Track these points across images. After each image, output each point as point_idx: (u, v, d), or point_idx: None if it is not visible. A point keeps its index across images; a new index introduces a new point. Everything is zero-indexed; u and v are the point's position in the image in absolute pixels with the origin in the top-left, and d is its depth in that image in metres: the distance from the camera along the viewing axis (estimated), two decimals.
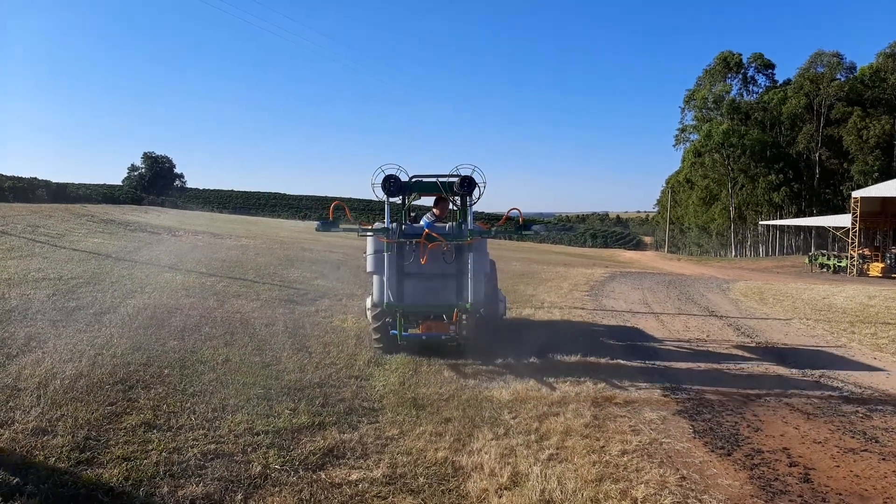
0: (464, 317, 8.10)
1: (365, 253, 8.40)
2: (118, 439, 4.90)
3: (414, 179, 8.54)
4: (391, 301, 8.00)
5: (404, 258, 8.02)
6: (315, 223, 8.38)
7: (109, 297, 9.73)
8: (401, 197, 8.54)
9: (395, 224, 8.25)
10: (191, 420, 5.41)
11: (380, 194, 8.10)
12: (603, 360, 8.59)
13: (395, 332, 8.12)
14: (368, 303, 8.61)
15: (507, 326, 10.47)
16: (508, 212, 8.53)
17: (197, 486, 4.29)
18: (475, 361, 8.22)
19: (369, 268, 8.26)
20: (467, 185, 8.07)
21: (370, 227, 8.17)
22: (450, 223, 8.60)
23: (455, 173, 8.29)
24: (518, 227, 8.50)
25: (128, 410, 5.50)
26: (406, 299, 8.08)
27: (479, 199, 8.33)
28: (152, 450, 4.76)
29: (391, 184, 7.90)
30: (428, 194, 8.97)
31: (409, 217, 9.32)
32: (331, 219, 8.22)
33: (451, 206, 9.13)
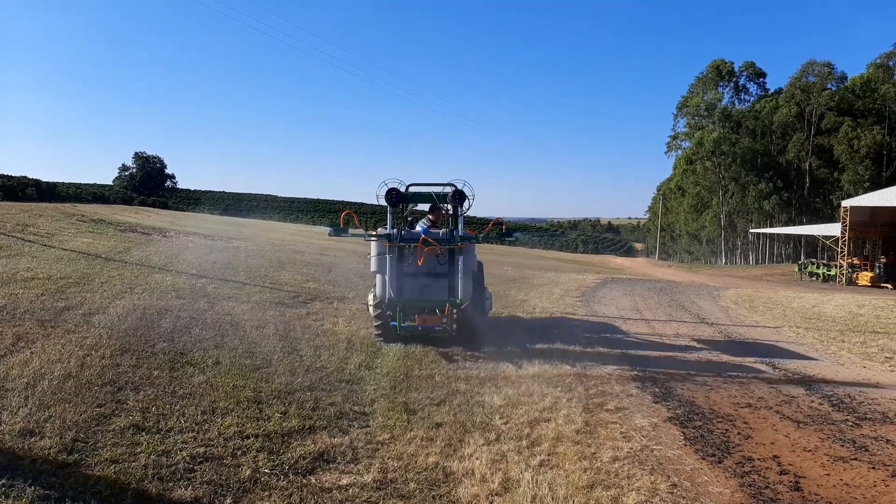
0: (454, 311, 9.12)
1: (369, 254, 9.47)
2: (107, 441, 4.86)
3: (412, 190, 9.55)
4: (391, 296, 9.01)
5: (404, 260, 9.16)
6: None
7: (99, 297, 9.65)
8: (401, 205, 9.56)
9: (395, 230, 9.22)
10: (180, 423, 5.37)
11: (383, 203, 9.13)
12: (595, 367, 8.62)
13: (395, 323, 9.05)
14: (371, 298, 9.64)
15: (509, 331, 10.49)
16: (494, 221, 10.14)
17: (186, 489, 4.26)
18: (466, 365, 8.24)
19: (373, 268, 9.26)
20: (459, 197, 9.16)
21: (375, 233, 9.30)
22: (443, 229, 9.73)
23: (449, 183, 9.38)
24: (501, 234, 10.16)
25: (116, 412, 5.45)
26: (404, 295, 9.16)
27: (468, 209, 9.33)
28: (141, 452, 4.72)
29: (393, 196, 9.03)
30: (425, 203, 9.86)
31: (406, 223, 10.34)
32: (342, 226, 9.64)
33: (444, 212, 10.13)
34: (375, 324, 9.38)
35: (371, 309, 9.55)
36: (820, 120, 69.54)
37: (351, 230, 9.86)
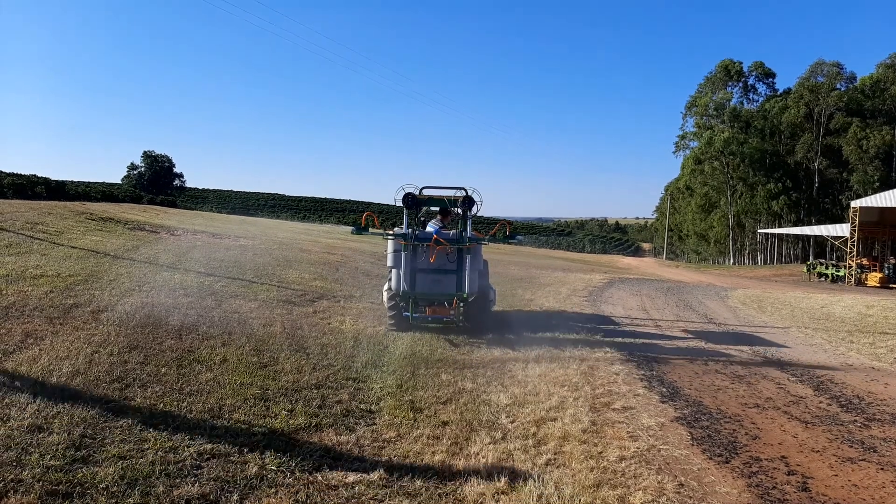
0: (461, 304, 10.12)
1: (386, 251, 10.53)
2: (114, 438, 4.87)
3: (426, 194, 10.66)
4: (405, 289, 10.03)
5: (417, 256, 10.10)
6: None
7: (107, 295, 9.70)
8: (417, 208, 10.81)
9: (410, 230, 10.20)
10: (187, 419, 5.39)
11: (399, 205, 10.29)
12: (602, 367, 8.60)
13: (407, 313, 10.06)
14: (385, 289, 10.64)
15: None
16: (500, 223, 11.42)
17: (193, 486, 4.27)
18: (473, 363, 8.24)
19: (389, 263, 10.30)
20: (468, 202, 10.26)
21: (392, 232, 10.33)
22: (453, 230, 10.77)
23: (460, 187, 10.45)
24: (506, 235, 11.33)
25: (124, 409, 5.47)
26: (417, 288, 10.13)
27: (476, 213, 10.36)
28: (148, 449, 4.74)
29: (409, 200, 10.26)
30: (437, 207, 11.04)
31: (420, 223, 11.42)
32: (363, 225, 10.63)
33: (454, 215, 11.17)
34: (389, 314, 10.21)
35: (385, 300, 10.50)
36: (829, 120, 69.12)
37: (372, 230, 10.86)
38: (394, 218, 11.02)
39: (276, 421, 5.57)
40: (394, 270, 10.21)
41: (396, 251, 10.12)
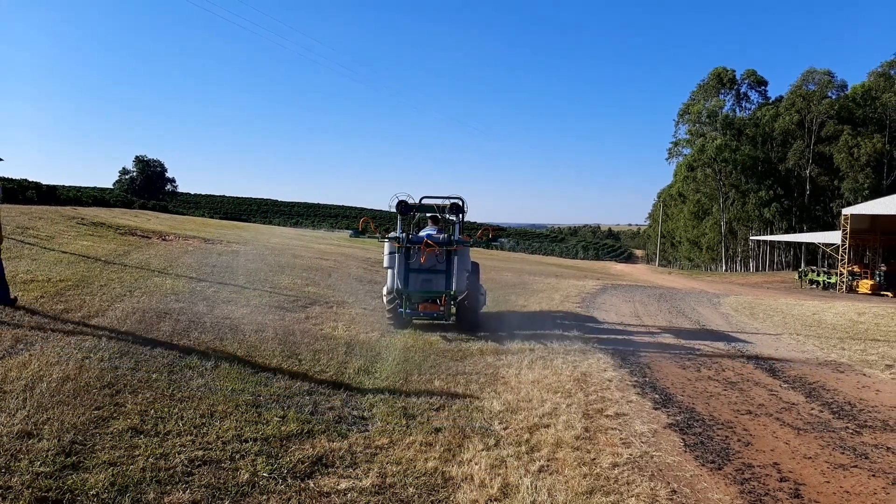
0: (451, 301, 11.08)
1: (383, 253, 11.32)
2: (104, 444, 4.83)
3: (424, 202, 11.68)
4: (399, 287, 10.83)
5: (410, 258, 10.89)
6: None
7: (98, 300, 9.64)
8: (410, 214, 11.69)
9: (404, 233, 11.10)
10: (178, 426, 5.35)
11: (394, 211, 11.31)
12: (595, 373, 8.61)
13: (401, 309, 10.88)
14: (384, 290, 11.53)
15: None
16: (483, 228, 12.54)
17: (184, 492, 4.24)
18: (465, 370, 8.23)
19: (386, 264, 11.16)
20: (456, 209, 11.39)
21: (387, 236, 11.23)
22: (444, 234, 11.65)
23: (455, 195, 11.55)
24: (488, 239, 12.43)
25: (115, 415, 5.43)
26: (410, 287, 10.90)
27: (463, 219, 11.53)
28: (139, 455, 4.70)
29: (402, 206, 11.20)
30: (428, 213, 11.99)
31: (415, 228, 12.49)
32: (361, 229, 11.82)
33: (445, 220, 12.17)
34: (388, 308, 11.08)
35: (385, 299, 11.34)
36: (820, 128, 69.61)
37: (368, 234, 11.96)
38: (387, 223, 11.61)
39: (268, 427, 5.54)
40: (389, 270, 11.04)
41: (391, 253, 10.93)
